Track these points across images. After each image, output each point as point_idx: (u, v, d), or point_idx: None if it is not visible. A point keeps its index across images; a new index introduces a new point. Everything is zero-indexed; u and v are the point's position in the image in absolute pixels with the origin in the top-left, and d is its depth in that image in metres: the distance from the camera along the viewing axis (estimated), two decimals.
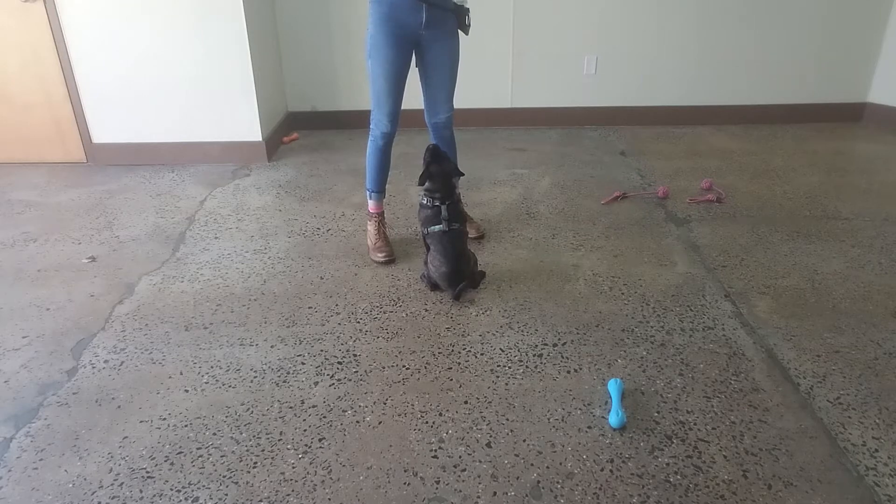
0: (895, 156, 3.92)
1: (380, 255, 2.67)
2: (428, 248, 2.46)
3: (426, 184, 2.47)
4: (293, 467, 1.62)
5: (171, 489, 1.55)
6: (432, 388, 1.90)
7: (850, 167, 3.72)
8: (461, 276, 2.35)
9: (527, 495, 1.52)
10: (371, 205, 2.78)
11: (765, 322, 2.20)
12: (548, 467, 1.60)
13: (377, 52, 2.46)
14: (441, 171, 2.47)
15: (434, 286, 2.43)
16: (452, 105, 2.71)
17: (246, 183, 3.65)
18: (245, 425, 1.76)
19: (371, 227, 2.77)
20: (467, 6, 2.52)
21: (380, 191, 2.76)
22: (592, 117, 4.66)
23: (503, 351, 2.06)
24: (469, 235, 2.63)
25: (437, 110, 2.68)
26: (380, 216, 2.78)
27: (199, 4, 3.60)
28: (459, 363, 2.01)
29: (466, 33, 2.57)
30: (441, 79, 2.62)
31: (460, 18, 2.52)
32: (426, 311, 2.31)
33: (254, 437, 1.72)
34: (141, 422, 1.78)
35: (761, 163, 3.81)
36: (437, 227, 2.40)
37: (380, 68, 2.48)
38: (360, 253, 2.76)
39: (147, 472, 1.60)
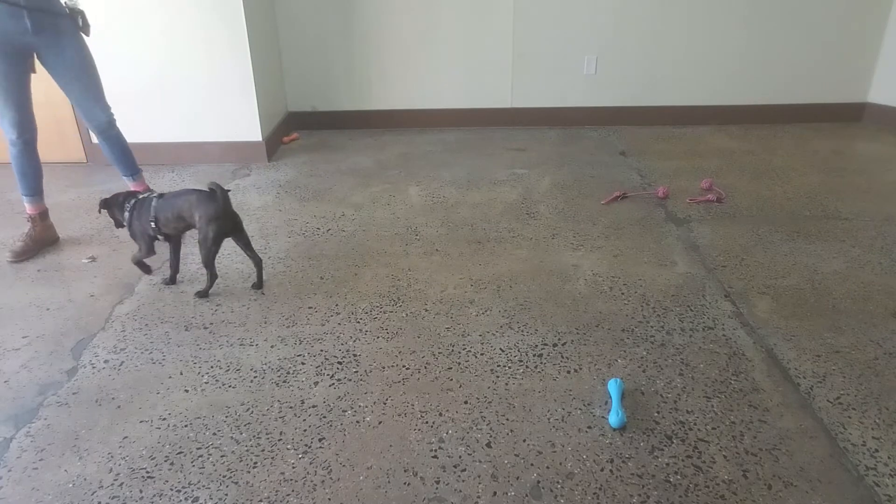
0: (895, 156, 3.92)
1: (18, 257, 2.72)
2: (147, 248, 2.48)
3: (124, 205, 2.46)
4: (293, 467, 1.62)
5: (171, 489, 1.55)
6: (432, 388, 1.90)
7: (850, 167, 3.73)
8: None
9: (527, 495, 1.52)
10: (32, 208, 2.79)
11: (765, 322, 2.20)
12: (548, 467, 1.60)
13: None
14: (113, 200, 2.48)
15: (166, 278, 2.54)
16: (107, 104, 2.73)
17: (246, 183, 3.65)
18: (245, 425, 1.76)
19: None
20: (80, 7, 2.55)
21: (36, 193, 2.81)
22: (592, 117, 4.66)
23: (503, 351, 2.06)
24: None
25: (92, 115, 2.71)
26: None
27: (199, 4, 3.61)
28: (459, 363, 2.01)
29: (88, 34, 2.61)
30: (77, 82, 2.64)
31: (76, 21, 2.56)
32: (426, 311, 2.31)
33: (254, 437, 1.72)
34: (141, 422, 1.78)
35: (761, 163, 3.82)
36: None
37: None
38: (360, 253, 2.76)
39: (147, 472, 1.60)
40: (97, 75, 2.69)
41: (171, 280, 2.53)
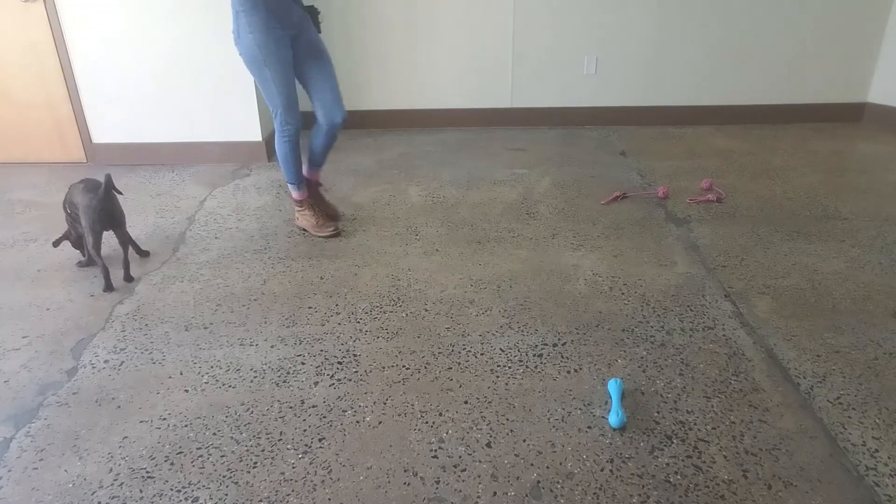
0: (895, 156, 3.92)
1: (329, 229, 2.91)
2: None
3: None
4: (293, 467, 1.62)
5: (171, 489, 1.55)
6: (432, 388, 1.90)
7: (850, 167, 3.73)
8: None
9: (527, 495, 1.52)
10: (299, 194, 2.94)
11: (765, 322, 2.20)
12: (548, 467, 1.60)
13: (272, 56, 2.55)
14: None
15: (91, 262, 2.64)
16: (342, 99, 2.81)
17: (246, 183, 3.65)
18: (245, 425, 1.76)
19: (308, 212, 2.95)
20: (316, 7, 2.74)
21: (303, 180, 2.93)
22: (592, 117, 4.66)
23: (503, 351, 2.06)
24: None
25: (329, 107, 2.76)
26: (307, 199, 2.97)
27: (199, 4, 3.61)
28: (459, 363, 2.01)
29: (320, 31, 2.75)
30: (323, 73, 2.74)
31: (314, 18, 2.73)
32: (426, 311, 2.31)
33: (254, 437, 1.72)
34: (141, 422, 1.78)
35: (761, 163, 3.82)
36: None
37: (282, 69, 2.60)
38: (359, 253, 2.76)
39: (147, 472, 1.61)
40: (334, 69, 2.79)
41: (85, 263, 2.67)
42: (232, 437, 1.72)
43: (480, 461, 1.62)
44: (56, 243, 2.69)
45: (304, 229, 2.99)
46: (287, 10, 2.56)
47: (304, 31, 2.65)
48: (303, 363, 2.03)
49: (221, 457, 1.65)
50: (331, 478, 1.58)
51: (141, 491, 1.55)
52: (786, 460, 1.61)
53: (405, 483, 1.56)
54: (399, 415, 1.79)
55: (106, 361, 2.05)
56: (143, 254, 2.76)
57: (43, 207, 3.32)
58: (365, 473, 1.59)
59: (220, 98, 3.83)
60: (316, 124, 2.83)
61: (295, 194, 2.95)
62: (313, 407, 1.83)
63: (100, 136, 3.93)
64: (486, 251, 2.75)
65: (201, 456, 1.65)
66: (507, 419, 1.76)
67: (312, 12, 2.73)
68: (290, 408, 1.83)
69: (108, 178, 2.43)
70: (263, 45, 2.51)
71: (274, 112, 2.71)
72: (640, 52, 4.46)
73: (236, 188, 3.57)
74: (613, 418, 1.72)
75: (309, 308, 2.34)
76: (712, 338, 2.11)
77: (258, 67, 2.57)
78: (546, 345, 2.09)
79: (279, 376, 1.96)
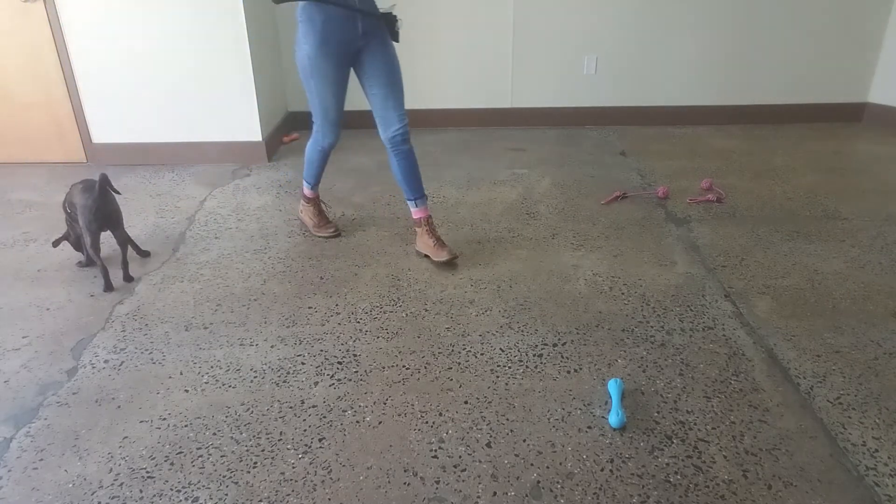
0: (895, 156, 3.92)
1: (329, 229, 2.95)
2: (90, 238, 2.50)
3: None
4: (293, 467, 1.62)
5: (171, 489, 1.55)
6: (432, 388, 1.90)
7: (850, 167, 3.73)
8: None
9: (527, 495, 1.52)
10: (310, 192, 2.98)
11: (765, 322, 2.20)
12: (548, 467, 1.60)
13: (318, 70, 2.49)
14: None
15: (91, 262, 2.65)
16: (405, 116, 2.60)
17: (246, 183, 3.65)
18: (245, 425, 1.76)
19: (312, 209, 2.99)
20: (395, 13, 2.54)
21: (318, 182, 2.97)
22: (592, 117, 4.66)
23: (503, 351, 2.06)
24: None
25: (389, 123, 2.57)
26: (317, 199, 3.01)
27: (199, 4, 3.61)
28: (459, 363, 2.01)
29: (397, 41, 2.57)
30: (387, 87, 2.54)
31: (391, 25, 2.54)
32: (426, 311, 2.31)
33: (254, 437, 1.72)
34: (141, 422, 1.78)
35: (761, 163, 3.82)
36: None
37: (326, 85, 2.54)
38: (359, 253, 2.76)
39: (147, 472, 1.61)
40: (402, 83, 2.58)
41: (85, 263, 2.70)
42: (232, 437, 1.72)
43: (480, 461, 1.62)
44: (55, 243, 2.69)
45: (304, 225, 2.99)
46: (349, 24, 2.41)
47: (372, 43, 2.48)
48: (303, 363, 2.03)
49: (221, 457, 1.65)
50: (331, 478, 1.58)
51: (141, 491, 1.55)
52: (786, 460, 1.61)
53: (405, 483, 1.56)
54: (399, 415, 1.79)
55: (106, 361, 2.05)
56: (144, 254, 2.77)
57: (43, 207, 3.32)
58: (365, 473, 1.59)
59: (220, 98, 3.83)
60: None
61: (306, 191, 2.97)
62: (313, 407, 1.83)
63: (100, 136, 3.93)
64: (486, 251, 2.75)
65: (201, 456, 1.65)
66: (507, 419, 1.76)
67: (389, 20, 2.50)
68: (290, 408, 1.83)
69: (103, 177, 2.43)
70: (312, 59, 2.45)
71: (314, 119, 2.68)
72: (640, 52, 4.46)
73: (236, 188, 3.57)
74: (613, 418, 1.72)
75: (309, 308, 2.34)
76: (712, 338, 2.12)
77: (305, 77, 2.53)
78: (546, 345, 2.09)
79: (279, 376, 1.96)
